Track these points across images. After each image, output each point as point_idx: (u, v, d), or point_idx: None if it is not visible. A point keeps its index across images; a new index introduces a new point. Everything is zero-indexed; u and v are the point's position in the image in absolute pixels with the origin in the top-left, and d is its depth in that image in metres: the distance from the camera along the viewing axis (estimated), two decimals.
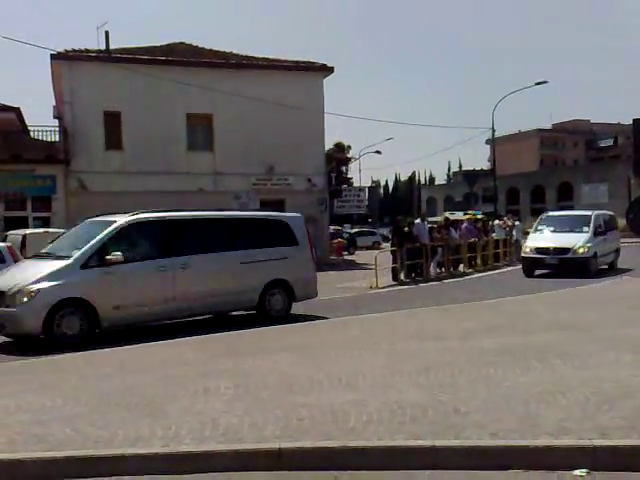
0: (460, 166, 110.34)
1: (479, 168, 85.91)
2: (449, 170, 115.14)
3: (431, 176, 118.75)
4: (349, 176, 60.48)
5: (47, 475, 4.94)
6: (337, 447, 5.09)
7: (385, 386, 6.80)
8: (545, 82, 39.68)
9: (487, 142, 77.33)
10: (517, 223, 29.09)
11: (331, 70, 31.81)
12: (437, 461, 4.96)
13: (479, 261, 24.32)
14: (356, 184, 56.33)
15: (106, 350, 9.77)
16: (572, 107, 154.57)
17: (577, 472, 4.77)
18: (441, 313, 12.87)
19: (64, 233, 13.38)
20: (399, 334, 10.16)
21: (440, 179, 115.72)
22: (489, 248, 25.24)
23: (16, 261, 17.01)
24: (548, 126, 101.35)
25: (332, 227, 39.48)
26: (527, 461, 4.90)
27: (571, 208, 68.79)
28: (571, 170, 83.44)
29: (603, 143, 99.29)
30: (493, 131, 41.20)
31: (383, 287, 18.69)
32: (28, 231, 23.17)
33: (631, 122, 52.30)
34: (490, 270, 23.92)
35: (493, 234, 26.47)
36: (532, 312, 12.47)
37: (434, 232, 22.40)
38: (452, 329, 10.49)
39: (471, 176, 41.54)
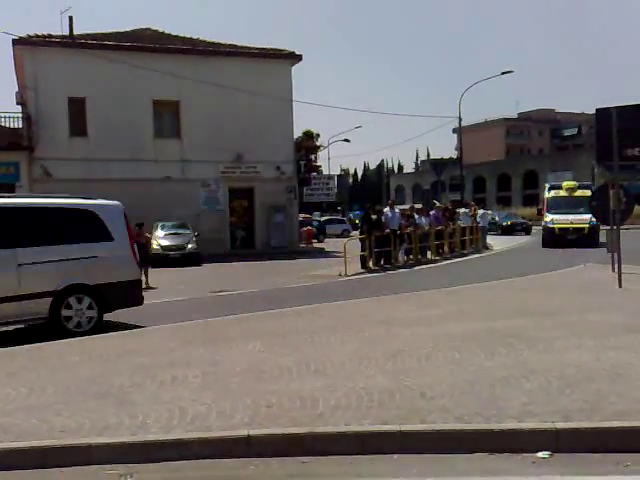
0: (428, 155, 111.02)
1: (447, 157, 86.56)
2: (417, 159, 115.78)
3: (399, 164, 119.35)
4: (318, 164, 60.33)
5: (13, 465, 4.88)
6: (305, 433, 5.12)
7: (353, 372, 6.86)
8: (510, 72, 40.09)
9: (454, 131, 77.91)
10: (481, 211, 29.39)
11: (299, 58, 31.70)
12: (404, 445, 5.03)
13: (446, 248, 24.55)
14: (325, 172, 56.36)
15: (73, 340, 9.66)
16: (538, 96, 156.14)
17: (540, 454, 4.88)
18: (408, 300, 12.98)
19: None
20: (367, 321, 10.23)
21: (409, 167, 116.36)
22: (456, 235, 25.49)
23: None
24: (514, 115, 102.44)
25: (301, 215, 39.41)
26: (492, 444, 4.99)
27: (537, 197, 69.72)
28: (536, 159, 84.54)
29: (567, 132, 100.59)
30: (460, 120, 41.58)
31: (352, 275, 18.77)
32: None
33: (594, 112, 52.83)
34: (457, 257, 24.19)
35: (459, 221, 26.75)
36: (497, 298, 12.65)
37: (403, 219, 22.54)
38: (419, 315, 10.60)
39: (438, 165, 41.76)
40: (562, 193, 28.40)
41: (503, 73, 40.07)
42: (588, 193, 25.58)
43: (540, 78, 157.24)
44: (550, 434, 5.01)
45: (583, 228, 26.26)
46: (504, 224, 42.03)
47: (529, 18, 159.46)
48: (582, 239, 25.77)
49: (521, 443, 4.98)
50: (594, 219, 24.58)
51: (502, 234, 39.47)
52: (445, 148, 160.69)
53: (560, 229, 26.64)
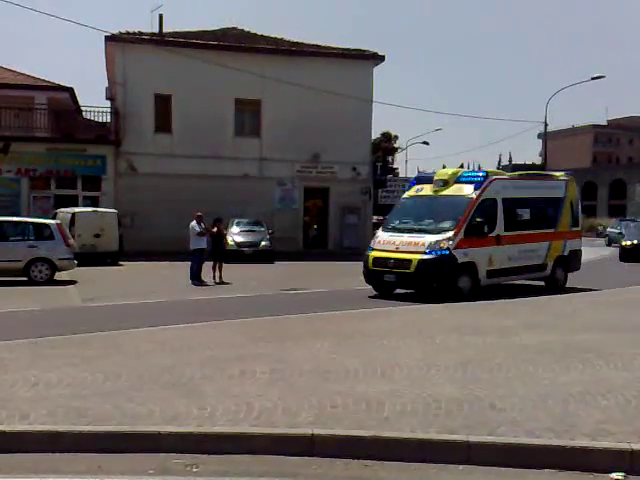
0: (510, 159, 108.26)
1: (530, 162, 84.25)
2: (499, 163, 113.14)
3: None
4: (395, 166, 59.96)
5: (85, 448, 5.06)
6: (369, 437, 5.09)
7: (421, 379, 6.76)
8: (602, 77, 38.58)
9: (539, 136, 75.72)
10: None
11: (382, 59, 31.52)
12: (470, 456, 4.92)
13: None
14: (402, 175, 55.85)
15: (147, 329, 9.95)
16: (629, 103, 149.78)
17: (614, 475, 4.68)
18: (482, 308, 12.71)
19: None
20: (438, 327, 10.08)
21: None
22: None
23: (65, 238, 17.38)
24: (603, 121, 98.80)
25: (375, 217, 39.19)
26: (563, 461, 4.82)
27: (623, 208, 67.13)
28: (625, 168, 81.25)
29: None
30: (545, 125, 40.24)
31: None
32: (77, 210, 23.73)
33: None
34: None
35: None
36: (576, 311, 12.23)
37: None
38: (492, 325, 10.36)
39: (519, 170, 40.57)
40: (423, 192, 15.72)
41: (593, 78, 38.60)
42: (467, 192, 14.74)
43: (632, 84, 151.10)
44: (625, 455, 4.81)
45: (409, 261, 14.06)
46: None
47: (620, 22, 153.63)
48: (406, 282, 14.54)
49: (594, 462, 4.80)
50: (445, 244, 13.91)
51: None
52: (528, 153, 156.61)
53: (376, 261, 14.69)
